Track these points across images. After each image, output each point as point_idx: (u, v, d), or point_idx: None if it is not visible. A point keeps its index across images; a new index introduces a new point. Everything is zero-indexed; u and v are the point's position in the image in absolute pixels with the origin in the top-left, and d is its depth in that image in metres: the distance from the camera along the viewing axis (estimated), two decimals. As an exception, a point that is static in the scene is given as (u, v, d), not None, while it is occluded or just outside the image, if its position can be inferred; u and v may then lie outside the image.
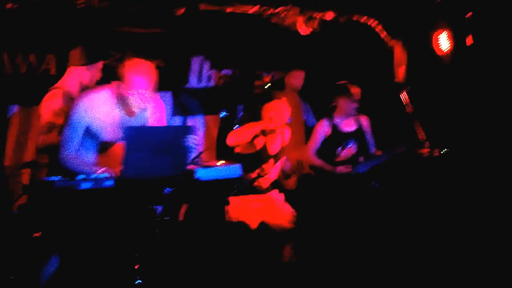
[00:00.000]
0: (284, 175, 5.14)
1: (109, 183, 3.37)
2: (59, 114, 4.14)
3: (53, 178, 3.34)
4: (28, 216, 3.98)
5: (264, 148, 4.85)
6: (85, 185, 3.32)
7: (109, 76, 3.78)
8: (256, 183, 4.74)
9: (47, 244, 3.83)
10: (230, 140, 4.77)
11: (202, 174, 3.65)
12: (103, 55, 4.51)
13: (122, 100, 3.58)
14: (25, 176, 5.04)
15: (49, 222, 3.57)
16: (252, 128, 4.77)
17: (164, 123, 3.94)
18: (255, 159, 4.79)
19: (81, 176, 3.35)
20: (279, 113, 4.81)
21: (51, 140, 4.08)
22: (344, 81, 5.24)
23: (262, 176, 4.76)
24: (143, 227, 3.59)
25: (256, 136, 4.81)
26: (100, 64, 4.39)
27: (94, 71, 4.35)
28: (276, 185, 4.96)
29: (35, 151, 5.18)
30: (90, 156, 3.72)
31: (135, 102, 3.53)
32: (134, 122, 3.75)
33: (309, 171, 5.42)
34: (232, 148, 4.87)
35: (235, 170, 3.79)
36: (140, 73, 3.46)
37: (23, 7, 4.66)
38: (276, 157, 4.91)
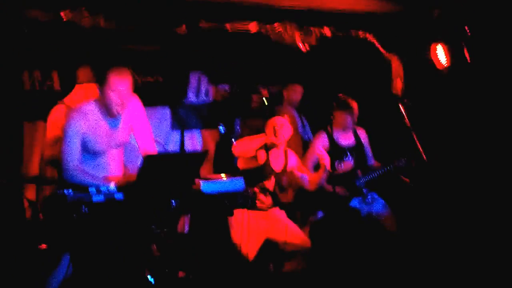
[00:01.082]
0: (280, 188, 5.18)
1: (119, 196, 3.49)
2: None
3: (65, 191, 3.45)
4: (40, 228, 4.07)
5: (266, 164, 4.92)
6: (97, 198, 3.43)
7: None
8: (258, 203, 4.84)
9: (57, 254, 3.93)
10: (237, 150, 4.83)
11: (206, 187, 3.75)
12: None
13: (104, 104, 3.82)
14: (31, 190, 5.14)
15: (62, 233, 3.64)
16: (257, 140, 4.85)
17: (145, 122, 4.13)
18: (256, 174, 4.86)
19: (93, 189, 3.46)
20: (282, 128, 4.88)
21: (56, 152, 4.17)
22: (343, 95, 5.32)
23: (263, 193, 4.85)
24: (150, 239, 3.69)
25: (258, 149, 4.88)
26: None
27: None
28: (275, 201, 5.02)
29: (40, 165, 5.31)
30: (90, 169, 3.84)
31: (115, 100, 3.77)
32: (119, 123, 3.93)
33: None
34: (231, 162, 4.94)
35: (238, 183, 3.89)
36: (118, 74, 3.79)
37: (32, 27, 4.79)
38: (278, 176, 4.97)
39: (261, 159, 4.91)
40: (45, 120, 5.28)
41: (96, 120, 3.83)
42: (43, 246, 4.34)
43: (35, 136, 5.38)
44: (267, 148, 4.94)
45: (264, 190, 4.88)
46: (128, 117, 3.99)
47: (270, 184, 4.93)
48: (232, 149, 4.83)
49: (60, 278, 3.94)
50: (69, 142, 3.76)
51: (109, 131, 3.89)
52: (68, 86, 5.27)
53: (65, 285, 3.90)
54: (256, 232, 4.67)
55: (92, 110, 3.85)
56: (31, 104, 5.37)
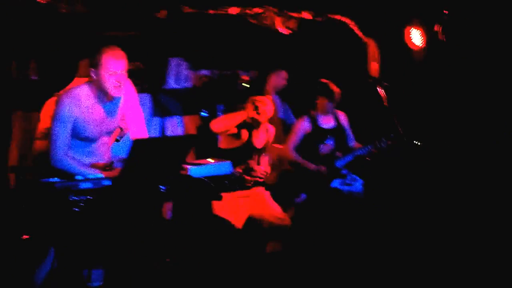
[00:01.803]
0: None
1: (107, 182, 3.46)
2: None
3: (51, 179, 3.41)
4: (26, 217, 4.01)
5: (249, 142, 4.93)
6: (85, 185, 3.40)
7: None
8: (247, 177, 4.85)
9: (44, 243, 3.89)
10: (215, 126, 4.80)
11: (194, 171, 3.76)
12: None
13: (100, 88, 3.66)
14: (11, 180, 5.10)
15: (49, 221, 3.60)
16: (238, 115, 4.83)
17: (138, 107, 4.01)
18: (239, 154, 4.87)
19: (79, 177, 3.43)
20: (264, 105, 4.88)
21: (46, 146, 4.10)
22: (325, 80, 5.40)
23: (250, 172, 4.87)
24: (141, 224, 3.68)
25: (241, 127, 4.87)
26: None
27: None
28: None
29: (20, 155, 5.25)
30: (78, 155, 3.73)
31: (111, 84, 3.62)
32: (114, 109, 3.81)
33: (288, 167, 5.57)
34: (213, 147, 4.95)
35: (226, 167, 3.91)
36: (114, 56, 3.63)
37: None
38: (260, 152, 5.01)
39: (244, 138, 4.91)
40: (23, 110, 5.25)
41: (90, 105, 3.67)
42: (25, 236, 4.29)
43: (14, 126, 5.31)
44: (249, 127, 4.92)
45: (248, 170, 4.90)
46: (123, 102, 3.85)
47: (253, 163, 4.95)
48: (210, 124, 4.80)
49: (46, 271, 3.90)
50: (59, 128, 3.60)
51: (104, 117, 3.75)
52: (47, 75, 5.27)
53: (53, 275, 3.88)
54: (240, 210, 4.72)
55: (85, 94, 3.67)
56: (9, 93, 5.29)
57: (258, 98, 4.93)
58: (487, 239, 4.90)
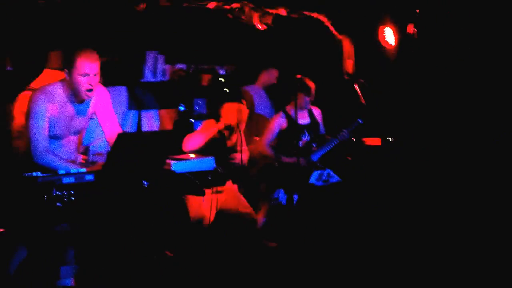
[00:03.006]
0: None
1: (90, 177, 3.47)
2: None
3: (34, 173, 3.41)
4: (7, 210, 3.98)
5: (224, 148, 4.92)
6: (68, 180, 3.40)
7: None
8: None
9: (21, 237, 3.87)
10: (187, 147, 4.71)
11: (177, 167, 3.80)
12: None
13: (72, 88, 3.71)
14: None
15: (32, 215, 3.59)
16: (208, 132, 4.80)
17: (110, 107, 4.05)
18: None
19: (62, 171, 3.44)
20: (231, 120, 4.81)
21: (24, 145, 4.07)
22: (301, 76, 5.47)
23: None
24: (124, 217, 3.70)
25: (213, 141, 4.84)
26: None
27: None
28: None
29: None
30: (57, 151, 3.76)
31: (83, 86, 3.67)
32: (84, 109, 3.85)
33: (269, 161, 5.61)
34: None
35: (209, 162, 3.96)
36: (88, 59, 3.66)
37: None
38: (232, 149, 5.02)
39: (217, 147, 4.89)
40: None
41: (62, 103, 3.72)
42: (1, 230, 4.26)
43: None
44: (223, 137, 4.90)
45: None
46: (94, 103, 3.90)
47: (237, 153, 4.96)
48: (182, 146, 4.75)
49: (19, 259, 3.88)
50: (37, 123, 3.64)
51: (73, 117, 3.80)
52: (21, 67, 5.20)
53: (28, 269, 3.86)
54: (213, 205, 4.74)
55: (58, 93, 3.72)
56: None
57: (231, 109, 4.87)
58: (484, 236, 5.00)
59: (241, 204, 4.93)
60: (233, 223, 4.84)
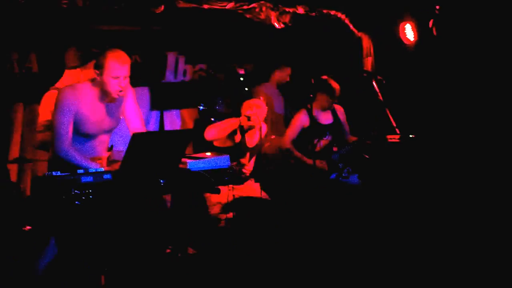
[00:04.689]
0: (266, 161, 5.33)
1: (108, 176, 3.56)
2: None
3: (53, 172, 3.51)
4: (25, 209, 4.10)
5: (242, 142, 5.05)
6: (86, 179, 3.50)
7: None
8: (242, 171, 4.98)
9: (45, 236, 3.99)
10: (209, 135, 4.92)
11: (193, 165, 3.87)
12: (93, 55, 4.64)
13: (102, 89, 3.76)
14: (12, 172, 5.18)
15: (50, 214, 3.69)
16: (230, 124, 4.94)
17: (136, 105, 4.10)
18: (232, 152, 4.96)
19: (81, 171, 3.53)
20: (257, 111, 4.96)
21: (48, 138, 4.20)
22: (326, 77, 5.45)
23: (240, 168, 4.97)
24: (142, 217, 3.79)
25: (234, 133, 4.99)
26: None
27: (88, 72, 4.46)
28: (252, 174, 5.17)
29: (22, 147, 5.34)
30: (89, 150, 3.85)
31: (115, 87, 3.73)
32: (114, 109, 3.91)
33: (288, 159, 5.64)
34: (210, 141, 5.06)
35: (224, 160, 4.02)
36: (118, 61, 3.72)
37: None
38: (253, 151, 5.13)
39: (237, 139, 5.04)
40: (25, 103, 5.34)
41: (92, 102, 3.78)
42: (27, 227, 4.39)
43: (15, 119, 5.39)
44: (243, 130, 5.04)
45: (241, 165, 5.01)
46: (124, 102, 3.97)
47: (245, 160, 5.07)
48: (204, 134, 4.91)
49: (48, 260, 3.99)
50: (62, 119, 3.68)
51: (105, 116, 3.85)
52: (47, 68, 5.35)
53: (53, 266, 3.97)
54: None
55: (88, 92, 3.77)
56: (11, 86, 5.38)
57: (250, 105, 5.01)
58: (486, 236, 4.95)
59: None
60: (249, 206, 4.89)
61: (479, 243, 4.76)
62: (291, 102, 6.34)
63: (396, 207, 5.41)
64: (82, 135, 3.81)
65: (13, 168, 5.21)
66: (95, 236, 3.70)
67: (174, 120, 6.27)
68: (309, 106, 5.33)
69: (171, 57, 6.26)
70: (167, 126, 5.99)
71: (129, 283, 3.94)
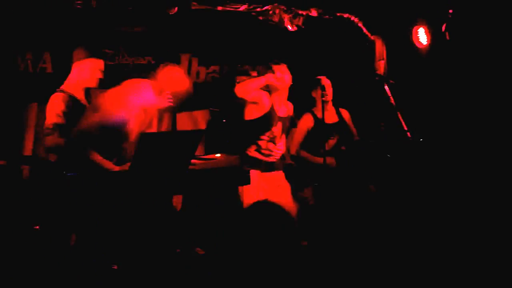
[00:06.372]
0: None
1: (119, 176, 3.61)
2: (61, 116, 4.32)
3: (65, 172, 3.56)
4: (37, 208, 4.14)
5: (272, 110, 4.98)
6: (98, 178, 3.54)
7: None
8: (266, 152, 4.93)
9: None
10: (239, 90, 4.89)
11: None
12: (101, 49, 4.69)
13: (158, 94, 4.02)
14: (24, 171, 5.23)
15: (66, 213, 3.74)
16: (257, 80, 4.93)
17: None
18: (263, 122, 4.96)
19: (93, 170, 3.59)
20: (283, 72, 4.96)
21: (55, 141, 4.24)
22: (319, 76, 5.43)
23: (272, 141, 4.94)
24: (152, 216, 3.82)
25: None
26: (101, 64, 4.51)
27: (95, 68, 4.47)
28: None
29: (34, 149, 5.39)
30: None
31: (162, 101, 4.03)
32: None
33: (290, 161, 5.66)
34: (223, 142, 5.06)
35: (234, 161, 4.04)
36: (173, 77, 4.11)
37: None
38: (284, 122, 5.07)
39: (266, 105, 4.97)
40: (39, 103, 5.39)
41: (147, 98, 4.08)
42: (37, 227, 4.42)
43: (29, 118, 5.45)
44: (270, 90, 4.99)
45: (273, 139, 4.99)
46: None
47: (277, 130, 5.01)
48: (235, 90, 4.91)
49: None
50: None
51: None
52: (61, 68, 5.39)
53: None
54: (260, 193, 4.76)
55: (145, 87, 4.09)
56: (25, 86, 5.44)
57: (279, 67, 5.00)
58: (489, 238, 4.96)
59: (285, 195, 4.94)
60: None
61: (488, 245, 4.74)
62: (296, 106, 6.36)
63: (407, 208, 5.41)
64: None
65: (25, 168, 5.26)
66: (106, 236, 3.74)
67: (186, 122, 6.27)
68: (313, 108, 5.40)
69: (184, 59, 6.29)
70: (180, 128, 6.00)
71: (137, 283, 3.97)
